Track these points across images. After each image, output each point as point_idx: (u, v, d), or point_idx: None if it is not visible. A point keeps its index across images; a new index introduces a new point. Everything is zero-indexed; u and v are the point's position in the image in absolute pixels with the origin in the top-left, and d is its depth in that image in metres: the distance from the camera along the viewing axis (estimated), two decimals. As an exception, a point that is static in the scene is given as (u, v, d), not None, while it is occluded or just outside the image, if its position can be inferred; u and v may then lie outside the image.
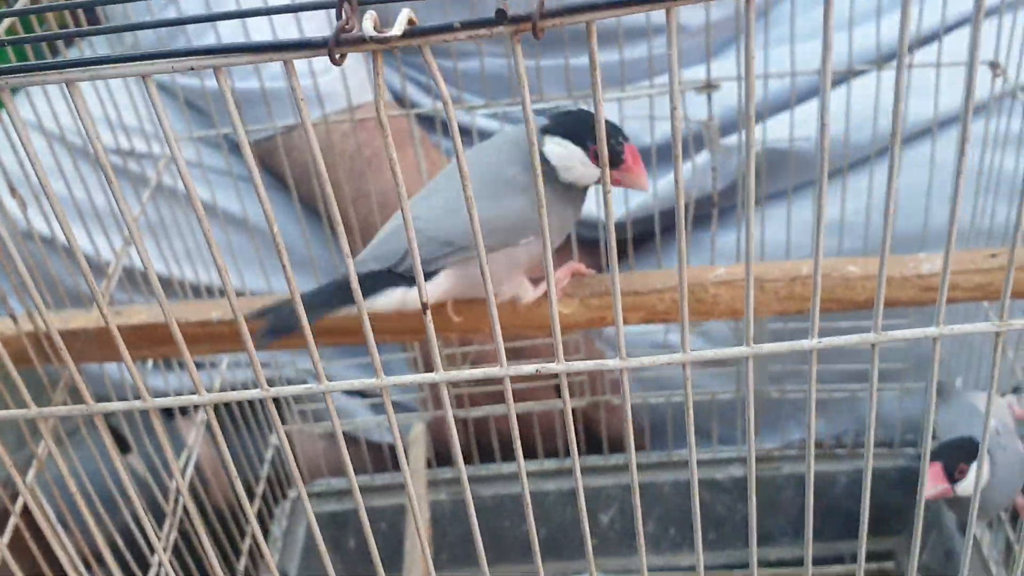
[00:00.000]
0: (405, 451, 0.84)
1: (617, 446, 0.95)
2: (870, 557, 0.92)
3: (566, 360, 0.32)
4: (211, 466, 0.93)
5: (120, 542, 0.62)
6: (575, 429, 0.95)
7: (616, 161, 0.55)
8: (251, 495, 0.88)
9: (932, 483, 0.65)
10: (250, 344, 0.30)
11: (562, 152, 0.56)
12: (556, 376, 0.33)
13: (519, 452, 0.33)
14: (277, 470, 0.93)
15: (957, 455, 0.65)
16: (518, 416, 0.96)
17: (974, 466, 0.65)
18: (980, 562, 0.78)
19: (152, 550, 0.66)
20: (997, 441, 0.67)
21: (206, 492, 0.90)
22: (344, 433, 0.97)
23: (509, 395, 0.32)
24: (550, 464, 0.94)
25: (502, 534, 0.94)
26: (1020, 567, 0.38)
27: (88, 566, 0.43)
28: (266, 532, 0.90)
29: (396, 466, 0.97)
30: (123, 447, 0.87)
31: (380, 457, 0.97)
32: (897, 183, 0.86)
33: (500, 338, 0.30)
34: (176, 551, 0.68)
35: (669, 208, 0.87)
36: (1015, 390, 0.73)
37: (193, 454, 0.77)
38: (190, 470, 0.77)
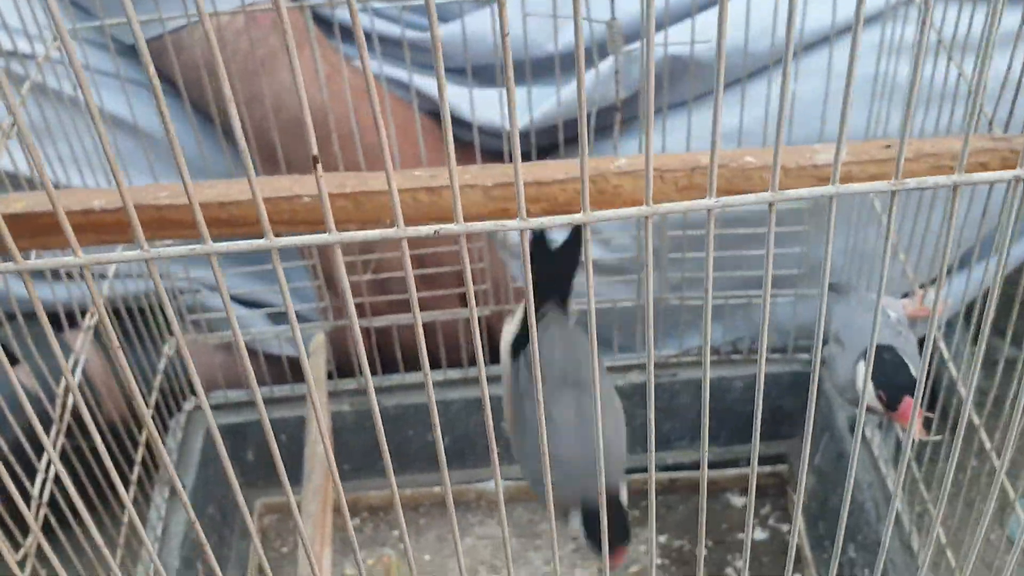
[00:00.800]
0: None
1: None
2: (764, 460, 0.94)
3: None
4: (102, 378, 0.91)
5: (7, 452, 0.61)
6: (480, 338, 0.95)
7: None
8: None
9: (919, 421, 0.62)
10: (139, 230, 0.28)
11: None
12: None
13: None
14: (171, 381, 0.91)
15: (901, 382, 0.64)
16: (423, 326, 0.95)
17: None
18: (871, 462, 0.81)
19: (40, 458, 0.65)
20: (899, 332, 0.67)
21: (98, 404, 0.87)
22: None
23: (407, 257, 0.31)
24: (454, 373, 0.94)
25: (406, 443, 0.94)
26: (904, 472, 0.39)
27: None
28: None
29: (296, 378, 0.96)
30: (11, 360, 0.84)
31: (279, 369, 0.95)
32: (794, 90, 0.85)
33: (396, 195, 0.29)
34: (67, 462, 0.67)
35: (572, 118, 0.87)
36: (905, 295, 0.74)
37: (80, 360, 0.75)
38: (78, 376, 0.75)
